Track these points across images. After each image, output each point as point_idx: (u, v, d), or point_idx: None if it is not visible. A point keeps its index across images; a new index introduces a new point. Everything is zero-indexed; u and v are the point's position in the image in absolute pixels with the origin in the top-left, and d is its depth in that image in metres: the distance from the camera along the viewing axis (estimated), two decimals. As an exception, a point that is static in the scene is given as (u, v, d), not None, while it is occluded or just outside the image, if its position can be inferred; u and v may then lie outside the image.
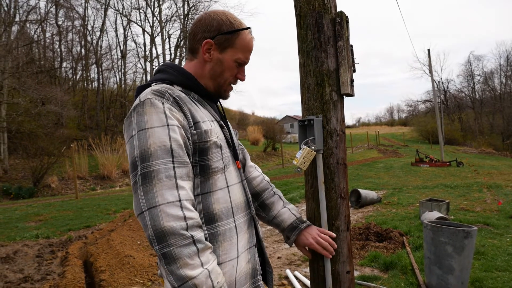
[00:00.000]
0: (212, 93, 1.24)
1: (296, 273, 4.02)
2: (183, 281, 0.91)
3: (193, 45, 1.22)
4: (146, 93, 1.06)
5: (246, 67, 1.28)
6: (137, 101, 1.06)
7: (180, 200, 0.95)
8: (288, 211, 1.45)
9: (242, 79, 1.25)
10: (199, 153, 1.08)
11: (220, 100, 1.31)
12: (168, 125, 1.01)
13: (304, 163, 1.41)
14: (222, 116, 1.27)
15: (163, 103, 1.03)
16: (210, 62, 1.19)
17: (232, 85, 1.26)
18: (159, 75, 1.19)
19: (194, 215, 0.96)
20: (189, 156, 1.05)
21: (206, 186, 1.10)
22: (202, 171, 1.09)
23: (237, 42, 1.18)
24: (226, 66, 1.19)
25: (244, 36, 1.20)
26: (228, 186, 1.15)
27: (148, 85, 1.15)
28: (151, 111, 1.01)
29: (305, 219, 1.49)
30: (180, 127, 1.04)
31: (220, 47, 1.18)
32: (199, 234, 0.96)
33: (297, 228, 1.40)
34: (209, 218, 1.09)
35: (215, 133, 1.13)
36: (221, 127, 1.20)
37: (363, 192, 8.01)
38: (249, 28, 1.22)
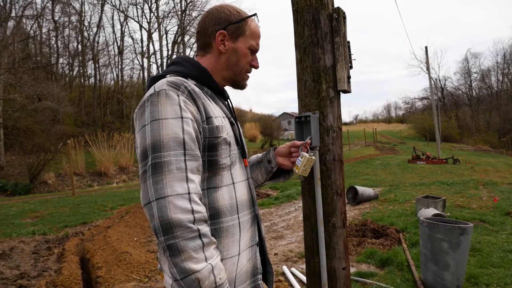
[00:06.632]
0: (229, 84, 1.28)
1: (293, 269, 4.03)
2: (186, 274, 0.91)
3: (205, 40, 1.23)
4: (162, 84, 1.06)
5: None
6: (151, 90, 1.06)
7: (189, 193, 0.95)
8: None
9: (256, 66, 1.28)
10: (208, 148, 1.09)
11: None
12: (182, 118, 1.01)
13: (305, 170, 1.39)
14: (232, 114, 1.28)
15: (178, 95, 1.03)
16: (225, 53, 1.21)
17: (248, 73, 1.28)
18: (174, 67, 1.20)
19: (201, 209, 0.96)
20: (200, 150, 1.06)
21: (213, 181, 1.10)
22: (210, 166, 1.09)
23: (247, 29, 1.22)
24: (241, 54, 1.22)
25: (251, 23, 1.23)
26: (234, 183, 1.15)
27: (162, 76, 1.15)
28: (166, 102, 1.01)
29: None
30: (194, 120, 1.04)
31: (233, 36, 1.21)
32: (205, 228, 0.96)
33: (270, 149, 1.48)
34: (213, 213, 1.09)
35: (226, 130, 1.14)
36: (232, 124, 1.21)
37: (360, 189, 8.03)
38: (255, 14, 1.26)
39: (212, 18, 1.21)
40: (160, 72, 1.23)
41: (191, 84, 1.12)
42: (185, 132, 1.00)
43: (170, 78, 1.09)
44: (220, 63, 1.22)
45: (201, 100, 1.10)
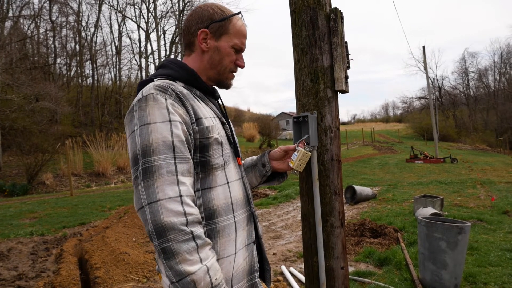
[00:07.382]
0: (214, 83, 1.26)
1: (291, 269, 4.03)
2: (182, 277, 0.91)
3: (189, 39, 1.23)
4: (149, 88, 1.06)
5: None
6: (139, 95, 1.06)
7: (180, 196, 0.95)
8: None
9: (242, 66, 1.26)
10: (200, 149, 1.09)
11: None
12: (170, 121, 1.01)
13: (300, 165, 1.39)
14: (223, 113, 1.28)
15: (165, 99, 1.04)
16: (208, 52, 1.20)
17: (233, 73, 1.27)
18: (162, 70, 1.19)
19: (194, 211, 0.97)
20: (190, 152, 1.06)
21: (207, 182, 1.10)
22: (202, 167, 1.10)
23: (231, 28, 1.20)
24: (224, 53, 1.20)
25: (236, 22, 1.22)
26: (228, 183, 1.16)
27: (150, 80, 1.15)
28: (154, 106, 1.02)
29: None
30: (182, 123, 1.04)
31: (215, 34, 1.20)
32: (198, 230, 0.96)
33: (264, 153, 1.47)
34: (209, 214, 1.09)
35: (217, 130, 1.14)
36: (223, 123, 1.21)
37: (358, 188, 8.05)
38: (240, 13, 1.24)
39: (195, 16, 1.21)
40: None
41: (179, 86, 1.12)
42: (174, 135, 1.00)
43: (157, 82, 1.10)
44: (203, 62, 1.22)
45: (189, 102, 1.09)
